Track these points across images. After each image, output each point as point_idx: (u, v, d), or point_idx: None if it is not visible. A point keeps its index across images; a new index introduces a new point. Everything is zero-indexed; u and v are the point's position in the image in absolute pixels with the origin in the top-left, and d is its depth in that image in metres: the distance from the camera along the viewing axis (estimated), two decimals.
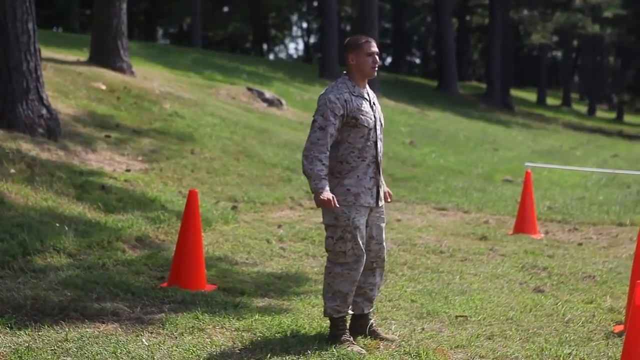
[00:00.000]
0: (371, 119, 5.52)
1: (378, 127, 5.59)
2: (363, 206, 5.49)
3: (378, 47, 5.63)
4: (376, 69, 5.57)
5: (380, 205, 5.63)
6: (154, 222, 8.68)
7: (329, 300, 5.56)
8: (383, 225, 5.70)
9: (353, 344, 5.53)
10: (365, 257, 5.56)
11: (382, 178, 5.84)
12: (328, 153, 5.40)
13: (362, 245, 5.49)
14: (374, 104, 5.62)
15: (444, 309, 6.59)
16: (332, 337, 5.58)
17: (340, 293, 5.52)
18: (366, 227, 5.57)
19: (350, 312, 5.67)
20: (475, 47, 63.40)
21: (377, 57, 5.58)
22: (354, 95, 5.49)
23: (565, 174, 17.05)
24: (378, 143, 5.58)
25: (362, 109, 5.48)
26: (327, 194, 5.31)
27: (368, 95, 5.60)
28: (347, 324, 5.68)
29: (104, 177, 9.98)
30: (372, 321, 5.81)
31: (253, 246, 8.61)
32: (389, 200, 5.87)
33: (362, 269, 5.55)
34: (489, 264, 8.43)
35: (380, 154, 5.60)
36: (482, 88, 43.27)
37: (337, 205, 5.38)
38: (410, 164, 16.71)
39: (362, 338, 5.70)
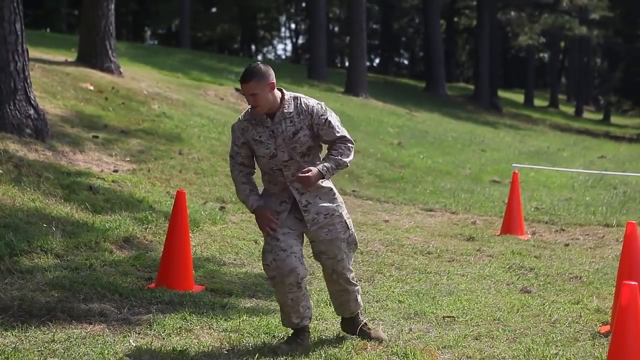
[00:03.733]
0: (267, 149, 5.35)
1: (284, 154, 5.37)
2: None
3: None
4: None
5: (310, 226, 5.43)
6: (142, 222, 8.67)
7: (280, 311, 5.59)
8: (335, 239, 5.47)
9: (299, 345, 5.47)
10: (288, 279, 5.35)
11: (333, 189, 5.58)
12: (245, 170, 5.51)
13: (282, 263, 5.32)
14: (276, 130, 5.34)
15: (431, 309, 6.61)
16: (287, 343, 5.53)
17: (281, 305, 5.51)
18: (312, 242, 5.51)
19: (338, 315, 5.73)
20: (463, 49, 63.61)
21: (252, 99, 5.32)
22: (252, 123, 5.39)
23: (552, 175, 17.09)
24: (285, 170, 5.42)
25: (258, 138, 5.37)
26: (263, 210, 5.43)
27: (270, 121, 5.34)
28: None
29: (92, 177, 9.95)
30: (364, 321, 5.80)
31: (241, 247, 8.62)
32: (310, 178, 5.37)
33: (285, 290, 5.37)
34: (477, 265, 8.45)
35: (293, 180, 5.41)
36: (470, 89, 43.39)
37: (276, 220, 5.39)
38: (398, 165, 16.74)
39: (349, 339, 5.72)
